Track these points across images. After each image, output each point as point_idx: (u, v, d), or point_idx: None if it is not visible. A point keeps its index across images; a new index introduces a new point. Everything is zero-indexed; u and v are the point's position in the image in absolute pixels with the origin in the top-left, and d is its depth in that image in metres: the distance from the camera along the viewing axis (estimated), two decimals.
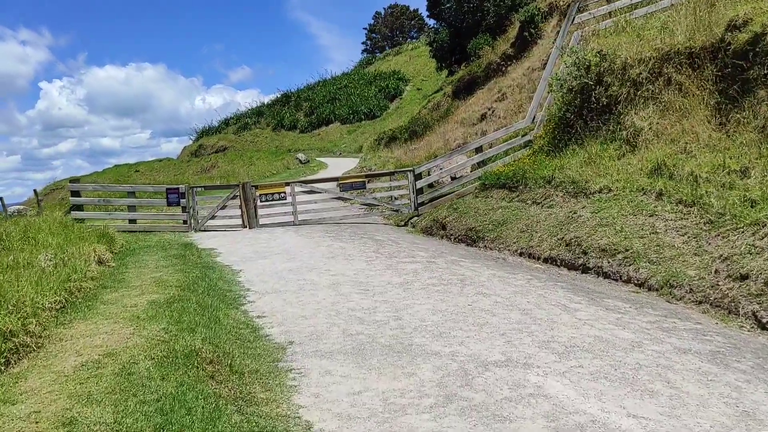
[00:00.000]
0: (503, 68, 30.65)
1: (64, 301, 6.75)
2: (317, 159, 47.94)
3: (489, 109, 22.94)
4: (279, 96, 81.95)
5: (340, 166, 39.62)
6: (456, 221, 14.08)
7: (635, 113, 12.36)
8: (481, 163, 16.32)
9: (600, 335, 5.78)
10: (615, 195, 10.78)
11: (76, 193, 16.47)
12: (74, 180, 16.51)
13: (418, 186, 16.47)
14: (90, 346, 5.09)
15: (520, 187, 13.44)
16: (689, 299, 7.65)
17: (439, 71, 57.91)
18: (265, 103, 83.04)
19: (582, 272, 9.72)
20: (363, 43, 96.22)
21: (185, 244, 13.39)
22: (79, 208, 16.39)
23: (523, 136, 16.32)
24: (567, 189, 12.05)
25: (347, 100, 71.09)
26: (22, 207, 24.27)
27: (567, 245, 10.42)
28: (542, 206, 12.32)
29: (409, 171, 16.58)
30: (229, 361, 5.04)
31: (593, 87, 13.57)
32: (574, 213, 11.12)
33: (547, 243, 10.95)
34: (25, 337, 5.17)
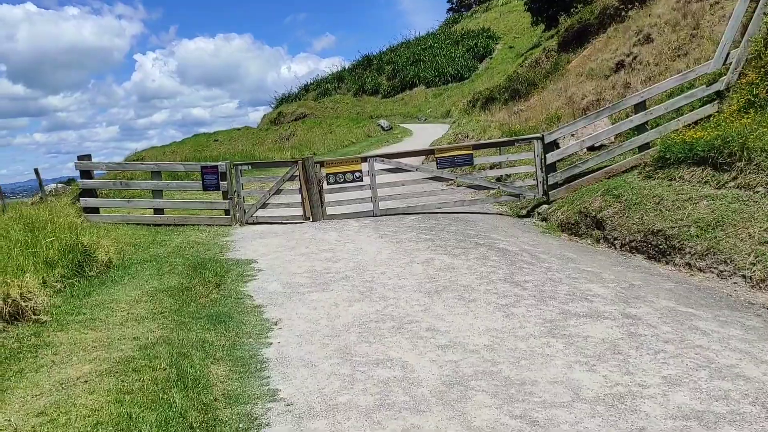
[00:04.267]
0: (622, 12, 25.75)
1: None
2: (401, 125, 43.26)
3: (627, 56, 17.41)
4: (360, 59, 77.44)
5: (426, 132, 34.78)
6: (621, 217, 9.03)
7: None
8: (641, 127, 11.14)
9: None
10: None
11: (86, 174, 12.40)
12: (84, 157, 12.47)
13: (550, 160, 11.44)
14: None
15: (738, 164, 8.22)
16: None
17: (534, 26, 52.02)
18: (346, 67, 78.76)
19: None
20: (448, 0, 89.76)
21: (213, 254, 9.02)
22: (91, 193, 12.36)
23: (708, 85, 10.97)
24: None
25: (432, 62, 65.93)
26: (60, 186, 20.70)
27: None
28: None
29: (536, 138, 11.56)
30: None
31: None
32: None
33: None
34: None
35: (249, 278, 7.53)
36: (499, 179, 12.84)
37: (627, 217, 8.93)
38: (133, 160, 43.64)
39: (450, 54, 65.77)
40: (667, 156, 9.38)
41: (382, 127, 40.95)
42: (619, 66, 17.45)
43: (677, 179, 8.97)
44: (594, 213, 9.64)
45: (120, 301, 6.15)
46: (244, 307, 6.29)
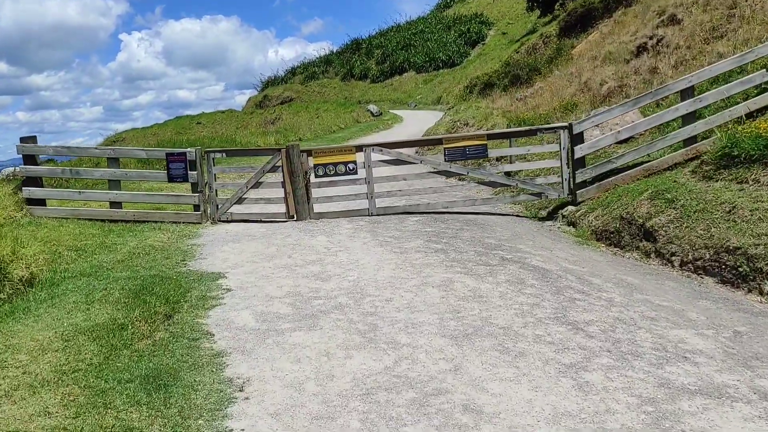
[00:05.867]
0: None
1: None
2: (390, 111, 41.43)
3: (650, 38, 15.66)
4: (349, 43, 75.27)
5: (418, 119, 33.05)
6: (679, 227, 7.29)
7: None
8: (689, 117, 9.42)
9: None
10: None
11: (30, 159, 10.50)
12: (27, 139, 10.53)
13: (578, 154, 9.69)
14: None
15: None
16: None
17: (529, 12, 50.38)
18: (334, 51, 76.55)
19: None
20: None
21: (172, 264, 7.18)
22: (36, 182, 10.46)
23: None
24: None
25: (423, 47, 63.97)
26: (18, 169, 18.58)
27: None
28: None
29: (563, 128, 9.79)
30: None
31: None
32: None
33: None
34: None
35: (212, 304, 5.72)
36: (508, 174, 11.03)
37: (687, 227, 7.19)
38: (113, 141, 41.35)
39: (441, 39, 63.84)
40: (735, 153, 7.65)
41: (371, 112, 39.11)
42: (641, 49, 15.69)
43: (751, 182, 7.25)
44: (641, 220, 7.89)
45: (20, 348, 4.32)
46: (199, 356, 4.48)
